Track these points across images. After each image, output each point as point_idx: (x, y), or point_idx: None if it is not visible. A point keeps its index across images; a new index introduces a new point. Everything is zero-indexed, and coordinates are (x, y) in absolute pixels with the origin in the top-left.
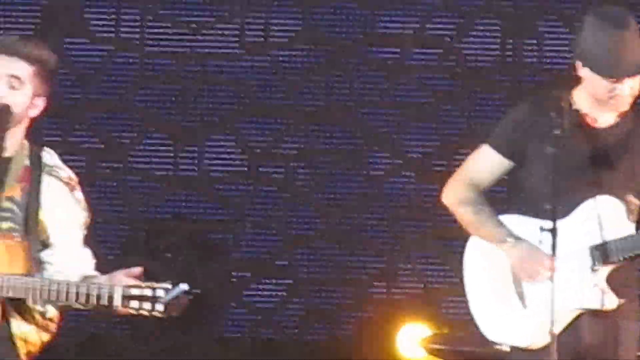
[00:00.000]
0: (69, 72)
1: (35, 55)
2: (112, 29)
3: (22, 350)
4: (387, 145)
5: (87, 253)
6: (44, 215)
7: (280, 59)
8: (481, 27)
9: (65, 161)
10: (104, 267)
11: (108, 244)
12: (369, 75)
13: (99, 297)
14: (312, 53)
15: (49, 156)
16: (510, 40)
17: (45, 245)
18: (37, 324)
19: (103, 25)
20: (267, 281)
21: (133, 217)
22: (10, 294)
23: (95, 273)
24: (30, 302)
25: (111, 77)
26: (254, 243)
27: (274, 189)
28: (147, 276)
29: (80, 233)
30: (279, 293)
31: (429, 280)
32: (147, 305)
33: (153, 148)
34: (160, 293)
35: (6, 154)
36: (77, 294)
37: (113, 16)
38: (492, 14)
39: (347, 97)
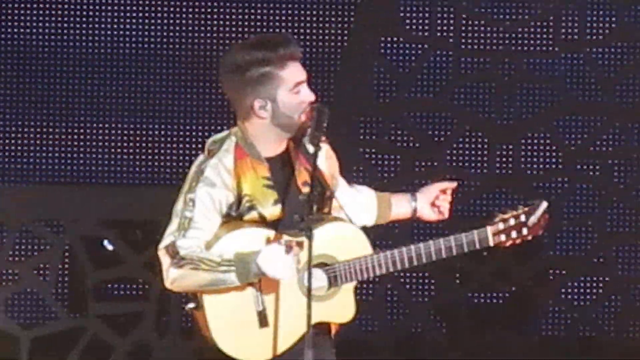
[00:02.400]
0: (384, 71)
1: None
2: (427, 28)
3: (334, 326)
4: None
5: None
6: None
7: (596, 56)
8: None
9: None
10: None
11: (424, 241)
12: None
13: (472, 244)
14: (628, 50)
15: None
16: None
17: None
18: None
19: (418, 24)
20: (584, 279)
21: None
22: (399, 266)
23: None
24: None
25: (426, 75)
26: (571, 240)
27: (590, 186)
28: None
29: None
30: (596, 290)
31: None
32: (514, 234)
33: (469, 146)
34: (523, 218)
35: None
36: (450, 247)
37: (427, 15)
38: None
39: None
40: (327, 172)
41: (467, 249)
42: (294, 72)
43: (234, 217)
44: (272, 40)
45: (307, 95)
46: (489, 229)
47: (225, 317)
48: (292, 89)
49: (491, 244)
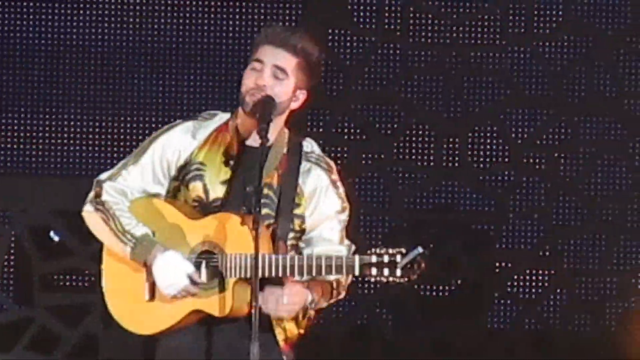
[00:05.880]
0: (332, 63)
1: (301, 48)
2: (375, 21)
3: (281, 336)
4: None
5: (343, 249)
6: (303, 200)
7: (543, 49)
8: None
9: (328, 152)
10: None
11: (372, 234)
12: (632, 65)
13: (339, 267)
14: (575, 44)
15: (310, 145)
16: None
17: (301, 231)
18: (297, 320)
19: (366, 17)
20: (530, 272)
21: (396, 208)
22: (266, 273)
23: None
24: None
25: (373, 68)
26: (517, 234)
27: (536, 180)
28: None
29: (337, 223)
30: (542, 284)
31: None
32: (386, 271)
33: (416, 139)
34: (397, 258)
35: (267, 143)
36: (320, 266)
37: (375, 8)
38: None
39: (609, 87)
40: (307, 195)
41: (333, 271)
42: (261, 51)
43: (180, 181)
44: (268, 26)
45: (259, 77)
46: (357, 259)
47: (121, 286)
48: (250, 63)
49: (357, 273)
